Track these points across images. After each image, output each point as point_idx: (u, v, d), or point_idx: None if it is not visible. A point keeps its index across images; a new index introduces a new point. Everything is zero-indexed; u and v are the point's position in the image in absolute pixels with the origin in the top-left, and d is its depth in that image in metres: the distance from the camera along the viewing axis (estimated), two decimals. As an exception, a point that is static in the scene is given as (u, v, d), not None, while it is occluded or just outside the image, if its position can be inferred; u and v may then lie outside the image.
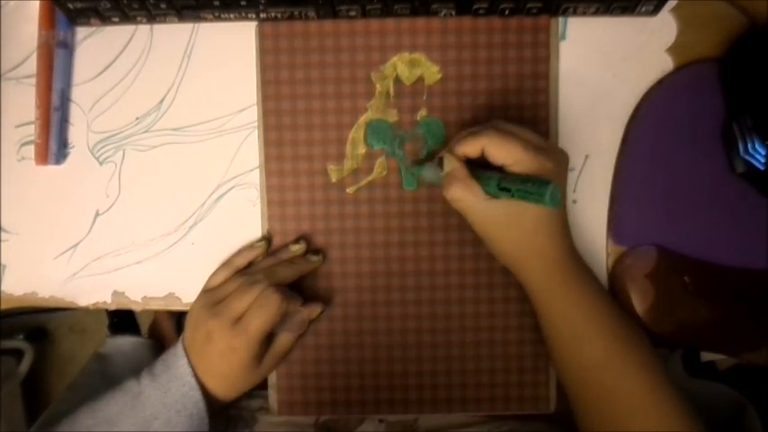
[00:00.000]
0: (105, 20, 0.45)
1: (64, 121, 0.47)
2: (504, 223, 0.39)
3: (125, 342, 0.60)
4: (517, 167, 0.37)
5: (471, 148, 0.39)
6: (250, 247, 0.46)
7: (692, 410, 0.37)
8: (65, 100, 0.47)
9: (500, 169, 0.38)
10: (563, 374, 0.41)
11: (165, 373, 0.41)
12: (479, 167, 0.39)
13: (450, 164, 0.40)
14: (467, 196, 0.39)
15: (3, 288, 0.48)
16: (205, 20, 0.46)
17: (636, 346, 0.39)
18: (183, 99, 0.47)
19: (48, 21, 0.45)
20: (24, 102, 0.46)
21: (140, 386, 0.41)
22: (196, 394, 0.40)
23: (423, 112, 0.46)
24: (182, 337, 0.43)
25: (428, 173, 0.43)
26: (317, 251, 0.46)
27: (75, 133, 0.47)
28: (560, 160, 0.40)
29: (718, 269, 0.45)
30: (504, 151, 0.38)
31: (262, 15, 0.45)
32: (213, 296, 0.42)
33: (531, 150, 0.37)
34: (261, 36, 0.45)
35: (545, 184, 0.34)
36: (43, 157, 0.46)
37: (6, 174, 0.48)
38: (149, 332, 0.75)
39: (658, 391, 0.37)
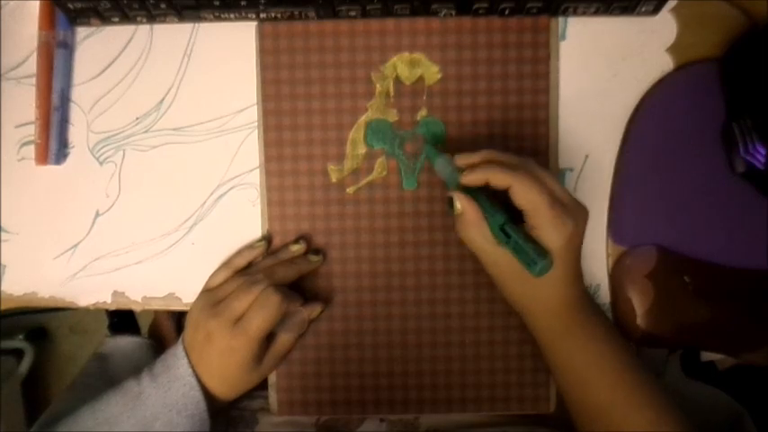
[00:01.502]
0: (105, 20, 0.45)
1: (64, 121, 0.47)
2: (510, 271, 0.39)
3: (125, 342, 0.60)
4: (535, 220, 0.37)
5: (498, 180, 0.37)
6: (250, 247, 0.46)
7: None
8: (65, 100, 0.47)
9: (513, 208, 0.38)
10: (569, 409, 0.42)
11: (166, 374, 0.41)
12: (491, 194, 0.39)
13: (462, 204, 0.39)
14: (479, 239, 0.39)
15: (3, 288, 0.48)
16: (205, 20, 0.46)
17: (640, 384, 0.39)
18: (183, 99, 0.47)
19: (48, 21, 0.45)
20: (24, 102, 0.47)
21: (141, 386, 0.41)
22: (197, 394, 0.40)
23: (423, 112, 0.46)
24: (182, 337, 0.43)
25: (441, 166, 0.41)
26: (317, 251, 0.46)
27: (75, 133, 0.47)
28: (580, 218, 0.39)
29: (719, 269, 0.45)
30: (530, 199, 0.37)
31: (262, 15, 0.45)
32: (213, 296, 0.42)
33: (557, 208, 0.37)
34: (261, 36, 0.45)
35: (542, 257, 0.35)
36: (43, 157, 0.46)
37: (6, 174, 0.48)
38: (149, 332, 0.75)
39: (663, 425, 0.38)
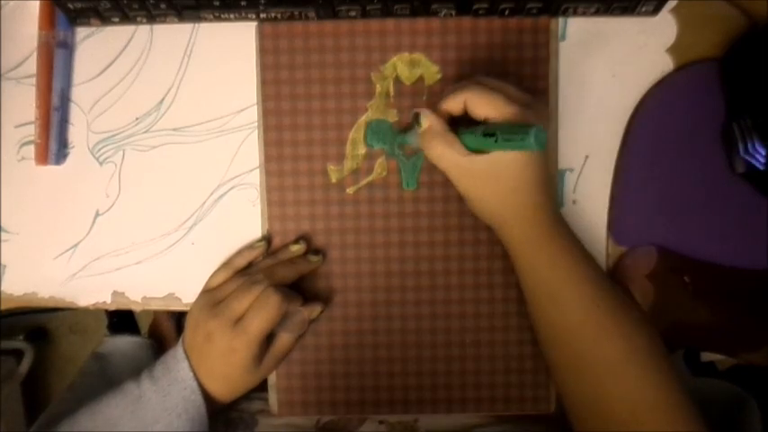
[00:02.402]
0: (105, 20, 0.45)
1: (64, 121, 0.47)
2: (486, 179, 0.39)
3: (124, 341, 0.60)
4: (501, 120, 0.37)
5: (453, 103, 0.39)
6: (250, 247, 0.46)
7: (671, 384, 0.36)
8: (65, 100, 0.47)
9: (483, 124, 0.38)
10: (538, 335, 0.41)
11: (166, 377, 0.41)
12: (462, 126, 0.39)
13: (427, 119, 0.39)
14: (447, 151, 0.39)
15: (3, 288, 0.48)
16: (205, 20, 0.46)
17: (615, 315, 0.37)
18: (182, 99, 0.47)
19: (48, 21, 0.45)
20: (24, 102, 0.47)
21: (140, 389, 0.41)
22: (198, 398, 0.40)
23: (423, 113, 0.46)
24: (182, 337, 0.43)
25: (412, 138, 0.42)
26: (317, 251, 0.46)
27: (75, 133, 0.47)
28: (542, 112, 0.40)
29: (719, 269, 0.45)
30: (487, 104, 0.37)
31: (262, 15, 0.45)
32: (213, 297, 0.42)
33: (515, 103, 0.37)
34: (261, 36, 0.45)
35: (529, 127, 0.34)
36: (43, 157, 0.46)
37: (6, 174, 0.48)
38: (149, 332, 0.75)
39: (632, 362, 0.36)
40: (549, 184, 0.41)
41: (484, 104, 0.38)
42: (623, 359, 0.36)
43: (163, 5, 0.43)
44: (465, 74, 0.45)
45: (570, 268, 0.39)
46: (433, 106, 0.45)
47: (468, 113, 0.39)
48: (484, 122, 0.38)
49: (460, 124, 0.39)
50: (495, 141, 0.36)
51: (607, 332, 0.37)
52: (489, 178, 0.39)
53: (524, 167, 0.38)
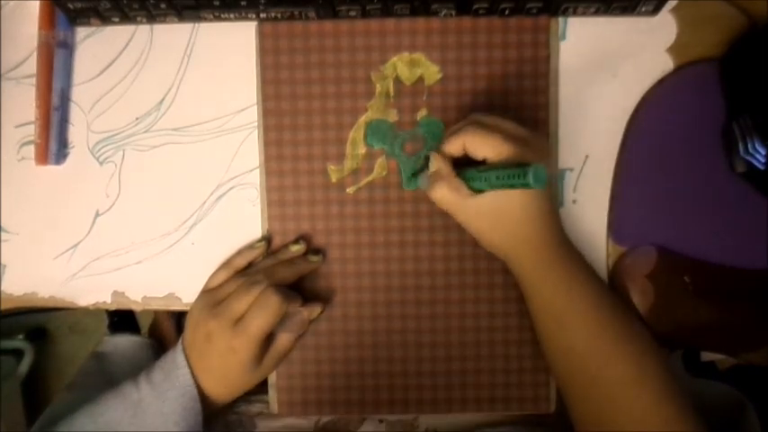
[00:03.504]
0: (105, 20, 0.45)
1: (64, 121, 0.47)
2: (492, 217, 0.39)
3: (124, 341, 0.60)
4: (499, 160, 0.38)
5: (453, 146, 0.39)
6: (250, 247, 0.46)
7: (683, 405, 0.36)
8: (65, 100, 0.47)
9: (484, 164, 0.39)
10: (549, 359, 0.41)
11: (165, 382, 0.41)
12: (467, 166, 0.39)
13: (435, 163, 0.40)
14: (451, 194, 0.39)
15: (3, 288, 0.48)
16: (205, 20, 0.46)
17: (625, 338, 0.38)
18: (182, 99, 0.47)
19: (48, 21, 0.45)
20: (24, 102, 0.47)
21: (140, 393, 0.41)
22: (196, 405, 0.40)
23: (423, 112, 0.46)
24: (181, 337, 0.43)
25: (423, 180, 0.43)
26: (316, 251, 0.46)
27: (75, 133, 0.47)
28: (541, 148, 0.40)
29: (719, 269, 0.45)
30: (484, 145, 0.38)
31: (262, 15, 0.45)
32: (213, 297, 0.42)
33: (511, 141, 0.37)
34: (261, 36, 0.45)
35: (527, 166, 0.34)
36: (43, 157, 0.46)
37: (6, 174, 0.48)
38: (149, 332, 0.75)
39: (643, 384, 0.36)
40: (555, 211, 0.41)
41: (481, 146, 0.38)
42: (634, 380, 0.37)
43: (163, 5, 0.43)
44: (465, 74, 0.45)
45: (578, 292, 0.39)
46: (433, 106, 0.45)
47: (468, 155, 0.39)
48: (484, 163, 0.39)
49: (465, 164, 0.40)
50: (496, 182, 0.36)
51: (617, 354, 0.37)
52: (495, 216, 0.39)
53: (529, 202, 0.39)
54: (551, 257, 0.40)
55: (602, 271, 0.46)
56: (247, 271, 0.44)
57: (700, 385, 0.53)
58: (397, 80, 0.45)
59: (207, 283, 0.45)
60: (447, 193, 0.40)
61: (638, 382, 0.37)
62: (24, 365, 1.16)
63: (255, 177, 0.47)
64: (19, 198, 0.48)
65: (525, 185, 0.34)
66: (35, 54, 0.46)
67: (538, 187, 0.34)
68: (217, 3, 0.43)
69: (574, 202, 0.46)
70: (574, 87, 0.46)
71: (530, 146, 0.38)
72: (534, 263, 0.40)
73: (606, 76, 0.46)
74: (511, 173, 0.35)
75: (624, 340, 0.38)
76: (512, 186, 0.36)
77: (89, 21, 0.46)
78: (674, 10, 0.45)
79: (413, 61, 0.45)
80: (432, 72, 0.45)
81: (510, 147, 0.37)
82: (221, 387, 0.42)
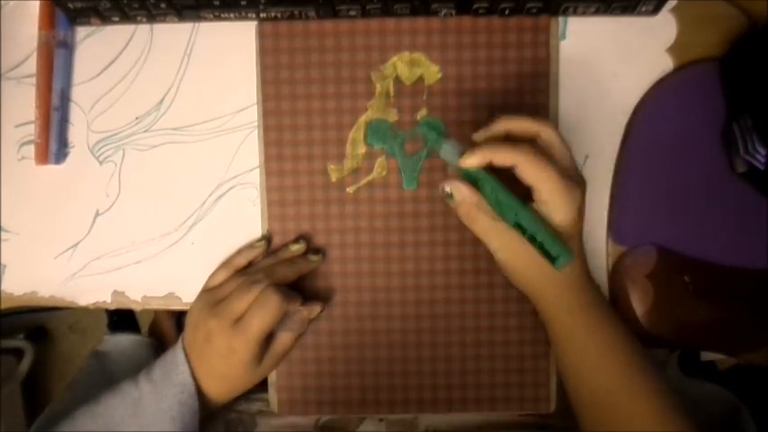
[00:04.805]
0: (105, 20, 0.45)
1: (64, 120, 0.47)
2: (522, 255, 0.39)
3: (124, 340, 0.60)
4: (543, 195, 0.37)
5: (503, 158, 0.37)
6: (250, 246, 0.46)
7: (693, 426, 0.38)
8: (65, 100, 0.47)
9: (519, 182, 0.37)
10: (577, 399, 0.41)
11: (165, 379, 0.41)
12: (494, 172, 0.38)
13: (461, 193, 0.39)
14: (484, 226, 0.39)
15: (3, 288, 0.48)
16: (205, 20, 0.46)
17: (643, 370, 0.39)
18: (182, 99, 0.47)
19: (48, 21, 0.45)
20: (24, 102, 0.46)
21: (140, 391, 0.41)
22: (194, 403, 0.40)
23: (423, 112, 0.46)
24: (181, 336, 0.43)
25: (447, 153, 0.40)
26: (316, 251, 0.46)
27: (75, 133, 0.47)
28: (584, 189, 0.39)
29: (719, 269, 0.45)
30: (538, 176, 0.36)
31: (262, 15, 0.45)
32: (213, 296, 0.42)
33: (565, 182, 0.36)
34: (261, 36, 0.45)
35: (566, 254, 0.35)
36: (43, 156, 0.46)
37: (6, 174, 0.48)
38: (149, 331, 0.75)
39: (666, 414, 0.38)
40: (582, 255, 0.41)
41: (535, 176, 0.36)
42: (656, 415, 0.38)
43: (163, 5, 0.43)
44: (465, 74, 0.45)
45: (610, 337, 0.40)
46: (433, 106, 0.45)
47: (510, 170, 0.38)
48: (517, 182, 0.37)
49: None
50: (524, 235, 0.36)
51: (643, 392, 0.38)
52: (527, 254, 0.38)
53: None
54: (579, 300, 0.40)
55: (602, 271, 0.46)
56: (247, 270, 0.44)
57: (695, 388, 0.53)
58: (397, 80, 0.45)
59: (207, 282, 0.45)
60: (482, 226, 0.39)
61: (662, 412, 0.38)
62: (24, 365, 1.16)
63: (255, 177, 0.47)
64: (19, 198, 0.48)
65: (549, 262, 0.35)
66: (35, 54, 0.46)
67: (556, 269, 0.35)
68: (217, 2, 0.43)
69: (574, 201, 0.46)
70: (574, 87, 0.46)
71: (577, 183, 0.38)
72: (561, 303, 0.40)
73: (606, 76, 0.46)
74: (547, 245, 0.35)
75: (643, 373, 0.39)
76: (538, 251, 0.36)
77: (89, 20, 0.46)
78: (674, 10, 0.45)
79: (413, 61, 0.45)
80: (432, 72, 0.45)
81: (562, 187, 0.36)
82: (221, 386, 0.42)
